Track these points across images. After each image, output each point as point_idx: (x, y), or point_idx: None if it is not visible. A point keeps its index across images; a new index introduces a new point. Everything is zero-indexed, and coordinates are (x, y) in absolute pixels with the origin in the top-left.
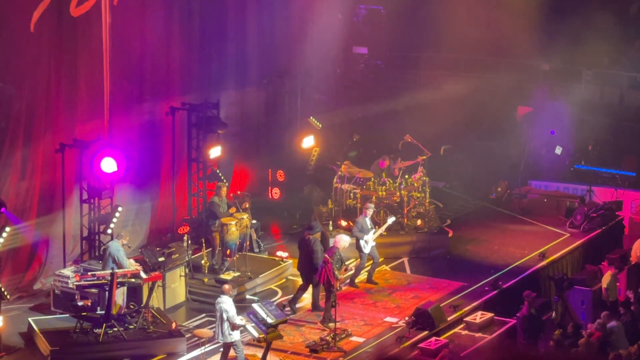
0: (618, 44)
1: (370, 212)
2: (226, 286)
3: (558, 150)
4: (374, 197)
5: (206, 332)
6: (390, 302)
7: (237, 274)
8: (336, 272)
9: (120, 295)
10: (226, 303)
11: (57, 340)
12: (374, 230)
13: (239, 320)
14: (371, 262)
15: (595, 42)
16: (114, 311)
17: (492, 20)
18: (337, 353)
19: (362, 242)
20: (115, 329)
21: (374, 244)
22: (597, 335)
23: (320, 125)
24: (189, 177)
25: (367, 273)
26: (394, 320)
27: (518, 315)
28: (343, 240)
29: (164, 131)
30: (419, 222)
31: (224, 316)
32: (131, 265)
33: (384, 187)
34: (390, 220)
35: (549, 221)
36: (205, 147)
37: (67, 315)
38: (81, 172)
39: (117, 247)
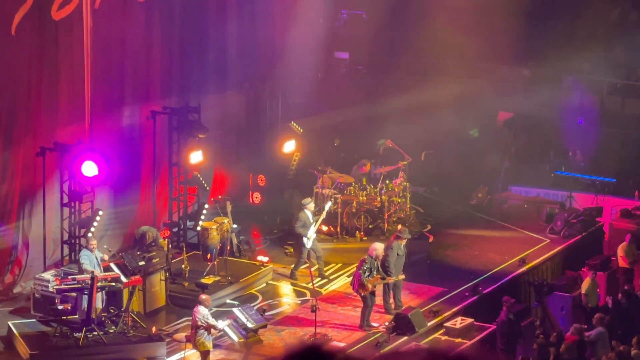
0: (598, 50)
1: (311, 206)
2: (203, 297)
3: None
4: (339, 200)
5: (184, 337)
6: None
7: (217, 278)
8: (364, 280)
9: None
10: (201, 313)
11: (36, 344)
12: (314, 224)
13: (221, 323)
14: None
15: (575, 48)
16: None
17: (472, 25)
18: None
19: (304, 239)
20: (95, 333)
21: (315, 236)
22: (573, 339)
23: (301, 130)
24: (169, 181)
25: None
26: (374, 325)
27: (497, 320)
28: (377, 250)
29: (145, 135)
30: (399, 227)
31: (201, 324)
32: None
33: (364, 192)
34: (327, 205)
35: (529, 227)
36: (186, 151)
37: (47, 319)
38: (62, 175)
39: (80, 254)
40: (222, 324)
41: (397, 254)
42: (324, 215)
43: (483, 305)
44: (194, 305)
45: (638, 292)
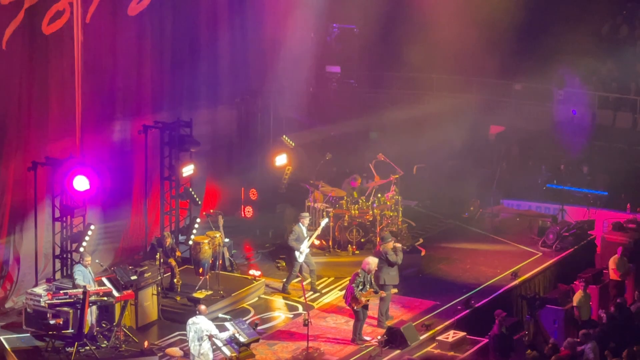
0: (590, 64)
1: (306, 221)
2: (202, 307)
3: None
4: (331, 214)
5: (178, 351)
6: None
7: (209, 292)
8: (357, 294)
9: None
10: (203, 323)
11: (28, 359)
12: (308, 238)
13: (225, 334)
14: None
15: (566, 61)
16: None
17: (464, 39)
18: None
19: (296, 253)
20: (87, 348)
21: (308, 250)
22: (565, 353)
23: (292, 144)
24: (161, 195)
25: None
26: (367, 338)
27: (489, 334)
28: (370, 264)
29: (137, 149)
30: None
31: (201, 336)
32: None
33: (356, 205)
34: (324, 222)
35: (522, 240)
36: (177, 165)
37: (39, 333)
38: (53, 190)
39: (74, 269)
40: (225, 335)
41: (395, 254)
42: (319, 231)
43: (475, 318)
44: (187, 318)
45: (630, 305)
